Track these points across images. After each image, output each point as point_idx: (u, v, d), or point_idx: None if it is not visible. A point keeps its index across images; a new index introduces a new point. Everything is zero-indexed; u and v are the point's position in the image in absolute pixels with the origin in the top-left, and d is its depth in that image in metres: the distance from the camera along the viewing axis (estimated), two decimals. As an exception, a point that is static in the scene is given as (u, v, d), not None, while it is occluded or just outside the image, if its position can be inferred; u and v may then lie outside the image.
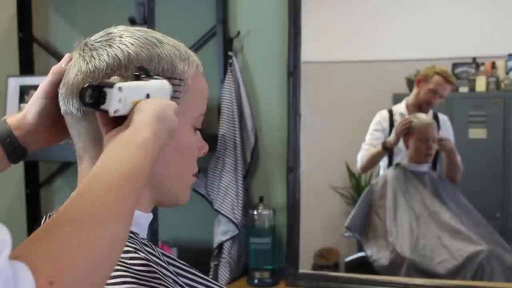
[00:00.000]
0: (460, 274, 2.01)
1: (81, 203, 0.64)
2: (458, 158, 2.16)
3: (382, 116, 2.23)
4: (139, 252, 0.79)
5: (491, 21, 2.18)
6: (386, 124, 2.22)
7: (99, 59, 0.82)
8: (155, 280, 0.76)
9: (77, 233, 0.60)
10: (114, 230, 0.64)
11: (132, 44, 0.83)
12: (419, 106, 2.21)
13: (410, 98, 2.22)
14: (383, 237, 2.15)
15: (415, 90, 2.21)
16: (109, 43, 0.83)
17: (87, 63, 0.83)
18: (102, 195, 0.64)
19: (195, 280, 0.89)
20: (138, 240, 0.82)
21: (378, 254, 2.13)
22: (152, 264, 0.79)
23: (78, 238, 0.60)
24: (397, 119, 2.21)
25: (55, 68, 0.88)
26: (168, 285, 0.78)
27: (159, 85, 0.81)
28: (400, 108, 2.23)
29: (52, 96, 0.88)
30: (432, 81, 2.18)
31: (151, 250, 0.83)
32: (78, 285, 0.58)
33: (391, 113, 2.23)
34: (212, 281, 0.92)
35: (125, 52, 0.82)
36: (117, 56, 0.82)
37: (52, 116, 0.89)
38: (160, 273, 0.78)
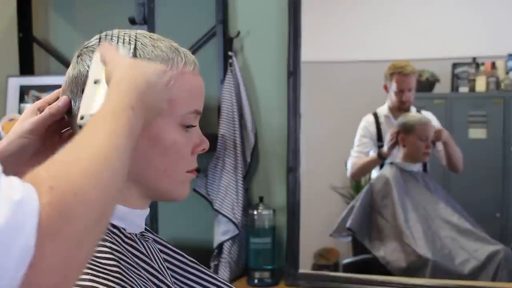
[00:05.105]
0: (482, 274, 1.98)
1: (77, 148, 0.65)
2: (456, 147, 2.14)
3: (367, 121, 2.23)
4: (106, 243, 0.80)
5: (491, 21, 2.18)
6: (373, 129, 2.23)
7: (82, 64, 0.86)
8: (113, 274, 0.77)
9: (75, 156, 0.62)
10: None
11: None
12: (398, 107, 2.22)
13: (388, 100, 2.23)
14: (393, 238, 2.11)
15: (387, 95, 2.23)
16: (94, 49, 0.85)
17: (73, 68, 0.87)
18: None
19: (200, 277, 0.94)
20: (116, 233, 0.83)
21: (391, 255, 2.09)
22: (115, 257, 0.79)
23: (76, 158, 0.62)
24: (383, 121, 2.22)
25: (52, 109, 0.87)
26: (127, 280, 0.77)
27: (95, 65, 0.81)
28: (384, 110, 2.24)
29: (40, 133, 0.87)
30: (392, 82, 2.19)
31: (135, 245, 0.84)
32: (77, 190, 0.58)
33: (376, 116, 2.23)
34: (220, 279, 0.96)
35: None
36: None
37: (32, 151, 0.88)
38: (123, 267, 0.78)
